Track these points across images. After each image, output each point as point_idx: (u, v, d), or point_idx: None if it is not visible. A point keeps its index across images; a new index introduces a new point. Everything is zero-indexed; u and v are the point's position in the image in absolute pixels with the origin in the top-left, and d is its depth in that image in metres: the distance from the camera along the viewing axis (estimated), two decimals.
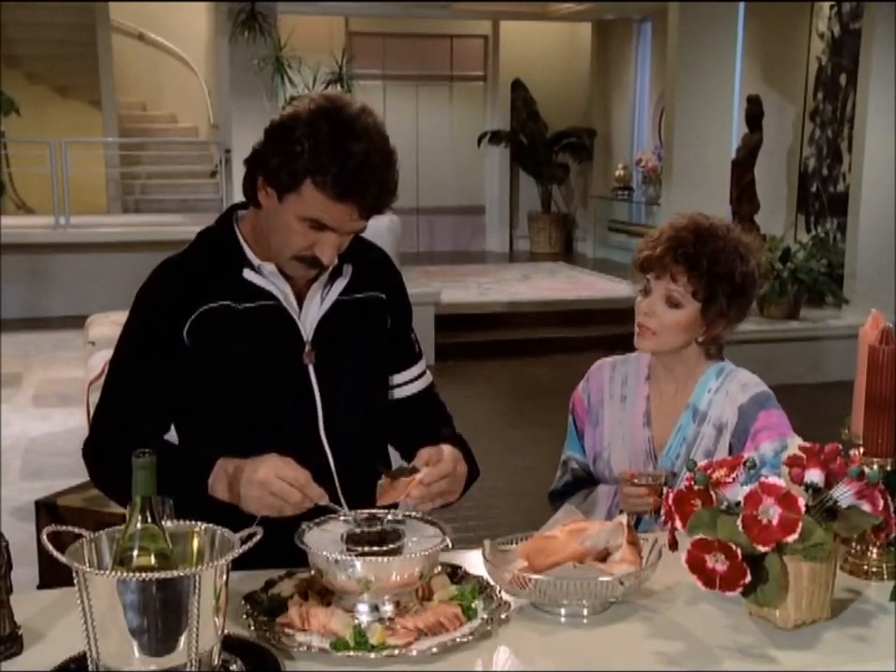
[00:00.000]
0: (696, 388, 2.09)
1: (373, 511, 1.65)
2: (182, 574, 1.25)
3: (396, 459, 2.08)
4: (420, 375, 2.03)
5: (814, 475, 1.54)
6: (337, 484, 1.85)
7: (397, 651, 1.43)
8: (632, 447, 2.11)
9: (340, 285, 1.89)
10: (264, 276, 1.84)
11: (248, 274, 1.83)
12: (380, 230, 7.49)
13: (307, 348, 1.85)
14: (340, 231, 1.74)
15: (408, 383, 2.01)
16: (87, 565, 1.30)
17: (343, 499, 1.81)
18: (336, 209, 1.70)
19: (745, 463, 1.59)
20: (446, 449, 1.77)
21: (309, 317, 1.86)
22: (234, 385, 1.82)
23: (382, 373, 1.97)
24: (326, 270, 1.83)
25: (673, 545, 1.60)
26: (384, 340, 1.95)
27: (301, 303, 1.86)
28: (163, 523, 1.32)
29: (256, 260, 1.84)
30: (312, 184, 1.69)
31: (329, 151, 1.67)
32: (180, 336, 1.81)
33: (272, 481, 1.63)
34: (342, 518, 1.64)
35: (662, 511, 1.61)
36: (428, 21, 12.35)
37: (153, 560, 1.28)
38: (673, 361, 2.10)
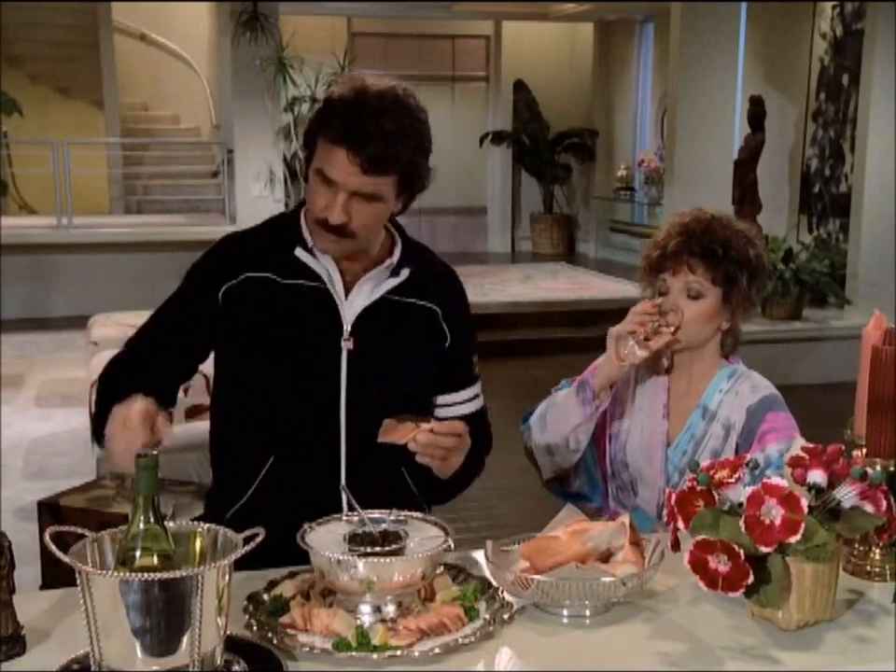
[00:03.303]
0: (708, 388, 2.10)
1: (376, 511, 1.65)
2: (185, 575, 1.25)
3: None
4: (472, 398, 2.04)
5: (816, 476, 1.54)
6: (343, 477, 1.86)
7: (399, 652, 1.43)
8: (650, 436, 2.11)
9: (391, 283, 1.91)
10: (315, 257, 1.87)
11: (299, 252, 1.88)
12: None
13: (346, 335, 1.87)
14: (343, 187, 1.76)
15: (457, 404, 2.01)
16: (90, 565, 1.30)
17: (345, 495, 1.80)
18: (334, 155, 1.75)
19: (747, 464, 1.59)
20: (456, 422, 1.79)
21: (354, 305, 1.88)
22: (263, 355, 1.86)
23: (419, 383, 1.95)
24: (347, 244, 1.82)
25: (675, 546, 1.60)
26: (430, 351, 1.95)
27: (347, 291, 1.89)
28: (166, 523, 1.32)
29: (310, 241, 1.87)
30: (321, 136, 1.77)
31: (339, 106, 1.76)
32: (215, 297, 1.87)
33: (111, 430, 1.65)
34: (344, 518, 1.64)
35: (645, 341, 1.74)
36: (430, 21, 12.36)
37: (155, 560, 1.28)
38: (692, 357, 2.10)
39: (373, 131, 1.73)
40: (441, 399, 2.00)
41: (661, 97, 11.46)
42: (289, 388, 1.86)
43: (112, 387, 1.84)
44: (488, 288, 10.00)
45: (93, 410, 1.93)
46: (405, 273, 1.91)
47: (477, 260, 12.35)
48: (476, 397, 2.05)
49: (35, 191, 11.08)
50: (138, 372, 1.88)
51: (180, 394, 4.91)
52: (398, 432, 1.70)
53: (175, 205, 11.15)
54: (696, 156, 8.17)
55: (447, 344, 1.96)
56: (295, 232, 1.90)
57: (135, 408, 1.60)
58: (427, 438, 1.70)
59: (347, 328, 1.87)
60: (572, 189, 13.41)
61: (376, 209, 1.81)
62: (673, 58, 8.40)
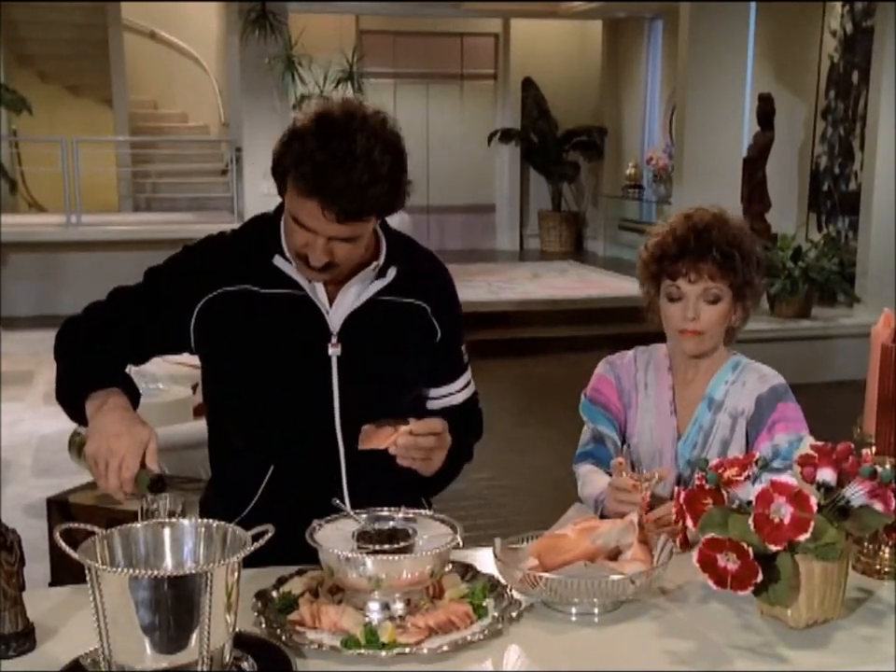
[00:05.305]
0: (713, 380, 2.13)
1: (385, 509, 1.66)
2: (194, 572, 1.26)
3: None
4: (464, 387, 2.02)
5: (826, 474, 1.54)
6: (344, 482, 1.85)
7: (408, 650, 1.43)
8: (660, 434, 2.12)
9: (380, 284, 1.86)
10: (294, 265, 1.81)
11: (278, 261, 1.82)
12: None
13: (333, 340, 1.84)
14: (320, 234, 1.70)
15: (451, 395, 2.00)
16: (99, 562, 1.30)
17: (347, 497, 1.81)
18: (306, 207, 1.68)
19: (756, 461, 1.59)
20: (435, 419, 1.78)
21: (340, 310, 1.84)
22: (250, 368, 1.83)
23: (413, 381, 1.94)
24: (333, 272, 1.78)
25: (684, 544, 1.60)
26: (421, 349, 1.93)
27: (332, 295, 1.84)
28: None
29: (289, 251, 1.82)
30: (291, 180, 1.69)
31: (306, 147, 1.66)
32: (191, 311, 1.82)
33: (96, 456, 1.66)
34: (353, 516, 1.64)
35: (644, 516, 1.62)
36: (439, 19, 12.34)
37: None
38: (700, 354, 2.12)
39: (345, 184, 1.64)
40: (434, 392, 1.99)
41: (670, 95, 11.44)
42: (281, 399, 1.83)
43: (71, 355, 1.85)
44: (496, 287, 9.99)
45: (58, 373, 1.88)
46: (392, 272, 1.87)
47: (485, 258, 12.33)
48: (467, 384, 2.03)
49: (45, 189, 11.11)
50: (97, 343, 1.84)
51: (188, 391, 4.88)
52: (377, 438, 1.70)
53: (184, 203, 11.16)
54: (705, 154, 8.15)
55: (438, 339, 1.94)
56: (275, 239, 1.83)
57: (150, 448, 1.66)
58: (407, 440, 1.70)
59: (334, 333, 1.84)
60: (580, 187, 13.39)
61: (358, 245, 1.77)
62: (682, 56, 8.38)
